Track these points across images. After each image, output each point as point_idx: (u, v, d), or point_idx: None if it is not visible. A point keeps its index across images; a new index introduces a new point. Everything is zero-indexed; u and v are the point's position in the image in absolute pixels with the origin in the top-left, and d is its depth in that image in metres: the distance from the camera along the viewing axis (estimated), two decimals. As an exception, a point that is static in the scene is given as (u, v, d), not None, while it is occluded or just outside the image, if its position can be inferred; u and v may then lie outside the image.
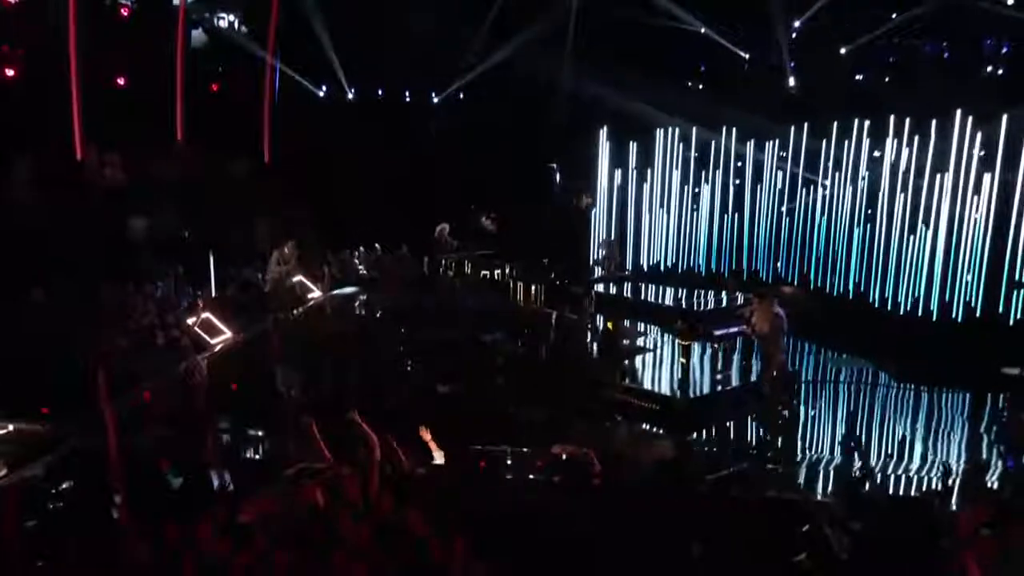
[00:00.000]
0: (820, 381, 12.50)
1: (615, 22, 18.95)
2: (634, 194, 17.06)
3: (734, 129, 16.42)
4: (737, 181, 16.60)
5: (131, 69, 16.58)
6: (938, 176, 13.35)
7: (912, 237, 13.68)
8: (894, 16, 17.90)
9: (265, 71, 18.52)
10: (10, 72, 14.80)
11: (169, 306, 12.63)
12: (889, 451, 9.90)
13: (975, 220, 13.02)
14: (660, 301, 14.86)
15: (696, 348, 11.72)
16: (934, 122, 13.40)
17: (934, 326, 13.26)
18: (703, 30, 19.35)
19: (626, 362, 12.22)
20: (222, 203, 15.23)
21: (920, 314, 13.49)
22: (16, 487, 7.43)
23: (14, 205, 13.32)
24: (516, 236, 17.25)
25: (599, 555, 6.14)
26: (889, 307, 13.91)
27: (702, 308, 13.45)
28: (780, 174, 16.03)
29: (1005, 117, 12.85)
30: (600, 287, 14.70)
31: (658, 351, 12.90)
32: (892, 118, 14.04)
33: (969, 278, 13.07)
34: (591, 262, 15.91)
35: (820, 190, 15.40)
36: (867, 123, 14.56)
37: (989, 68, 17.80)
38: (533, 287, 15.26)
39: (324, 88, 20.36)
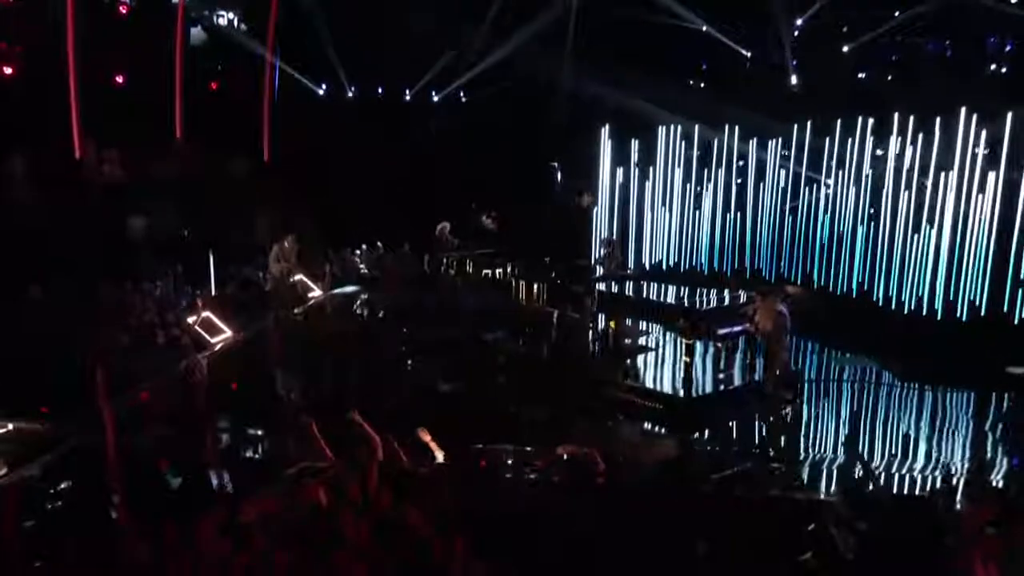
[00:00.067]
0: (824, 380, 12.43)
1: (616, 20, 18.89)
2: (636, 193, 17.02)
3: (736, 127, 16.36)
4: (739, 180, 16.55)
5: (130, 67, 16.55)
6: (942, 174, 13.30)
7: (916, 235, 13.63)
8: (897, 14, 17.82)
9: (265, 69, 18.46)
10: (8, 70, 14.75)
11: (169, 305, 12.58)
12: (893, 450, 9.86)
13: (980, 218, 12.96)
14: (662, 300, 14.80)
15: (699, 347, 11.67)
16: (938, 120, 13.35)
17: (938, 325, 13.19)
18: (704, 28, 19.29)
19: (628, 361, 12.17)
20: (221, 202, 15.19)
21: (924, 313, 13.44)
22: (15, 487, 7.38)
23: (12, 203, 13.28)
24: (517, 235, 17.22)
25: (602, 555, 6.08)
26: (893, 306, 13.86)
27: (705, 306, 13.38)
28: (783, 172, 15.98)
29: (1010, 115, 12.78)
30: (602, 286, 14.64)
31: (660, 350, 12.85)
32: (896, 116, 13.99)
33: (974, 276, 13.00)
34: (593, 261, 15.85)
35: (823, 188, 15.35)
36: (871, 121, 14.49)
37: (993, 66, 17.73)
38: (535, 286, 15.21)
39: (324, 86, 20.31)
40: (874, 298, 14.22)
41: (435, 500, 6.17)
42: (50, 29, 14.43)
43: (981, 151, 12.98)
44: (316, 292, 15.09)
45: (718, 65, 19.95)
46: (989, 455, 9.81)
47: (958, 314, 13.13)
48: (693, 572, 6.17)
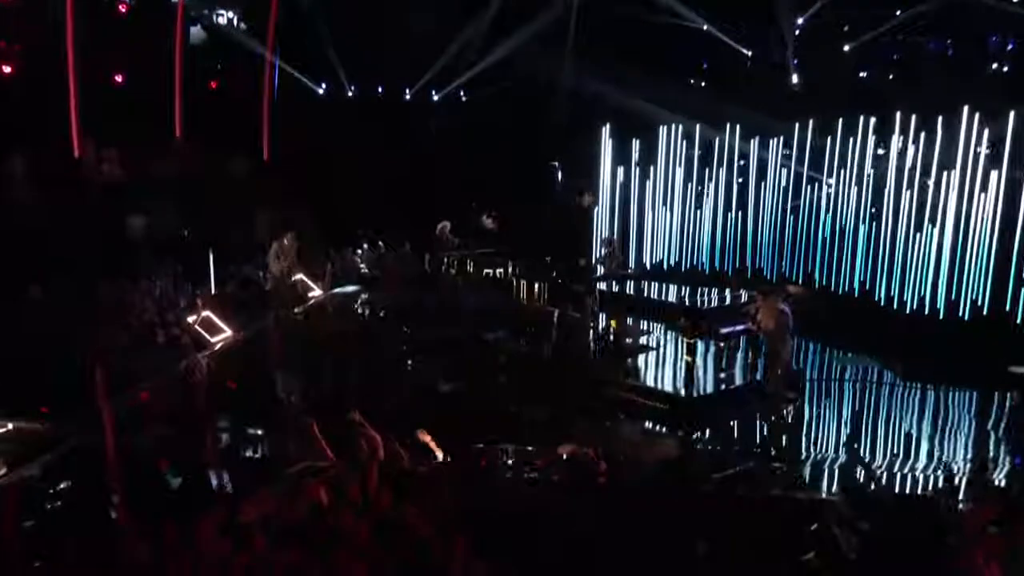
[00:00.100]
0: (825, 380, 12.39)
1: (616, 19, 18.86)
2: (637, 192, 16.99)
3: (737, 127, 16.33)
4: (740, 179, 16.52)
5: (129, 66, 16.52)
6: (944, 173, 13.26)
7: (918, 235, 13.60)
8: (898, 13, 17.81)
9: (264, 68, 18.44)
10: (7, 69, 14.72)
11: (169, 304, 12.55)
12: (895, 450, 9.83)
13: (982, 217, 12.93)
14: (664, 299, 14.77)
15: (700, 346, 11.64)
16: (940, 119, 13.31)
17: (940, 324, 13.16)
18: (705, 27, 19.27)
19: (629, 360, 12.14)
20: (221, 201, 15.16)
21: (926, 312, 13.41)
22: (15, 486, 7.36)
23: (11, 203, 13.25)
24: (517, 234, 17.20)
25: (603, 555, 6.05)
26: (895, 305, 13.83)
27: (707, 306, 13.36)
28: (784, 172, 15.95)
29: (1012, 114, 12.75)
30: (603, 285, 14.61)
31: (662, 349, 12.82)
32: (898, 115, 13.96)
33: (976, 276, 12.97)
34: (593, 260, 15.82)
35: (825, 188, 15.32)
36: (872, 120, 14.46)
37: (994, 65, 17.70)
38: (536, 285, 15.18)
39: (324, 86, 20.27)
40: (876, 297, 14.19)
41: (435, 500, 6.15)
42: (49, 28, 14.40)
43: (984, 150, 12.94)
44: (316, 292, 15.07)
45: (719, 64, 19.94)
46: (991, 455, 9.76)
47: (960, 313, 13.10)
48: (695, 572, 6.14)
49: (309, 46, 18.89)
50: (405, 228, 17.06)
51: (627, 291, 15.02)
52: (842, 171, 14.97)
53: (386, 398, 9.70)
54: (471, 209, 18.19)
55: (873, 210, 14.46)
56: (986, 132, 12.93)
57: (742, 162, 16.52)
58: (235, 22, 19.67)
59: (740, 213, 16.50)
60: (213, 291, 13.82)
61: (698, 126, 16.53)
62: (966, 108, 13.03)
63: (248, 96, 18.33)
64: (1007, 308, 12.70)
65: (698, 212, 16.77)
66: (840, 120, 14.92)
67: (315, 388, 10.75)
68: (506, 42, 18.86)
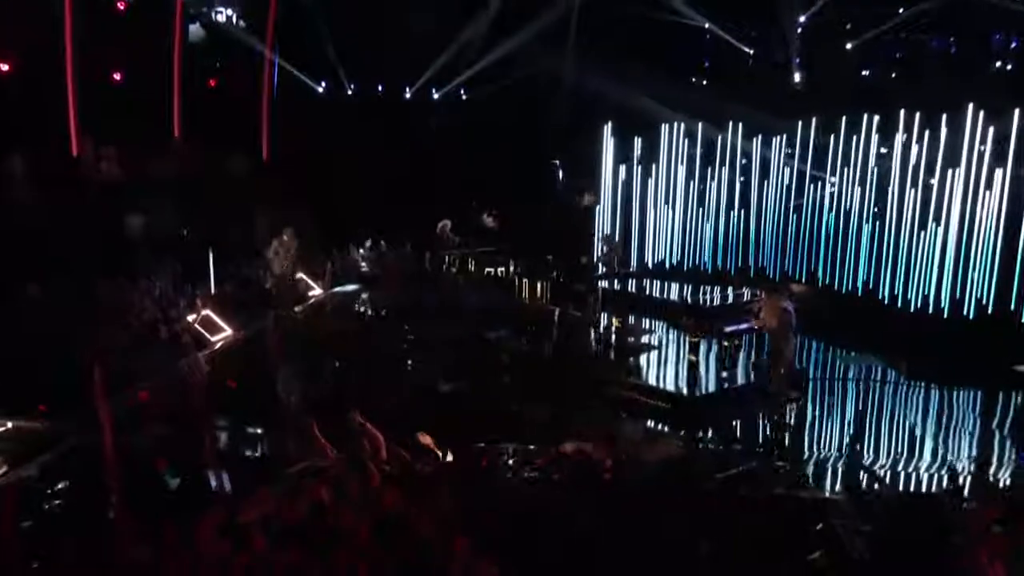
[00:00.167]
0: (829, 378, 12.34)
1: (618, 17, 18.81)
2: (639, 191, 16.92)
3: (740, 125, 16.28)
4: (743, 178, 16.47)
5: (128, 64, 16.41)
6: (949, 171, 13.21)
7: (923, 233, 13.54)
8: (900, 11, 17.75)
9: (264, 66, 18.38)
10: (5, 67, 14.65)
11: (168, 303, 12.49)
12: (899, 449, 9.78)
13: (986, 216, 12.87)
14: (666, 298, 14.72)
15: (703, 345, 11.58)
16: (944, 117, 13.25)
17: (945, 323, 13.12)
18: (707, 25, 19.22)
19: (632, 359, 12.09)
20: (220, 200, 15.10)
21: (930, 311, 13.36)
22: (13, 486, 7.31)
23: (9, 202, 13.19)
24: (518, 233, 17.15)
25: (606, 554, 5.99)
26: (899, 304, 13.78)
27: (710, 304, 13.32)
28: (787, 170, 15.90)
29: (1017, 112, 12.69)
30: (605, 284, 14.57)
31: (664, 348, 12.77)
32: (902, 113, 13.89)
33: (981, 274, 12.91)
34: (595, 259, 15.77)
35: (828, 186, 15.26)
36: (876, 118, 14.40)
37: (998, 63, 17.63)
38: (537, 284, 15.14)
39: (323, 84, 20.21)
40: (880, 296, 14.14)
41: (436, 499, 6.10)
42: (48, 25, 14.32)
43: (988, 148, 12.87)
44: (317, 291, 15.02)
45: (721, 62, 19.92)
46: (996, 454, 9.71)
47: (965, 312, 13.05)
48: (698, 571, 6.08)
49: (309, 44, 18.83)
50: (405, 227, 16.99)
51: (630, 290, 14.98)
52: (845, 169, 14.91)
53: (387, 397, 9.65)
54: (471, 208, 18.16)
55: (876, 208, 14.40)
56: (991, 130, 12.85)
57: (744, 161, 16.47)
58: (234, 20, 19.60)
59: (743, 212, 16.46)
60: (212, 290, 13.76)
61: (700, 124, 16.53)
62: (971, 106, 12.96)
63: (247, 94, 18.28)
64: (1012, 307, 12.65)
65: (700, 211, 16.73)
66: (843, 118, 14.87)
67: (315, 387, 10.69)
68: (507, 40, 18.79)
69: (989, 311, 12.86)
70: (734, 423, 10.46)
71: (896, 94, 15.82)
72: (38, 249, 12.05)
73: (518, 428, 8.89)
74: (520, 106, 19.35)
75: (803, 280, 15.41)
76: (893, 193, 14.07)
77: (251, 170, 17.03)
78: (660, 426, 10.33)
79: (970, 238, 13.02)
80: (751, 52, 19.51)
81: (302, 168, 17.02)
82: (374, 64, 19.88)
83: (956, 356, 11.85)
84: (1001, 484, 8.49)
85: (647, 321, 13.72)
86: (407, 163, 18.23)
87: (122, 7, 16.76)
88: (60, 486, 7.20)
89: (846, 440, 10.03)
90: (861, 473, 8.82)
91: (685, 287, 14.81)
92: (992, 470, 9.05)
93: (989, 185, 12.84)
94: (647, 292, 15.13)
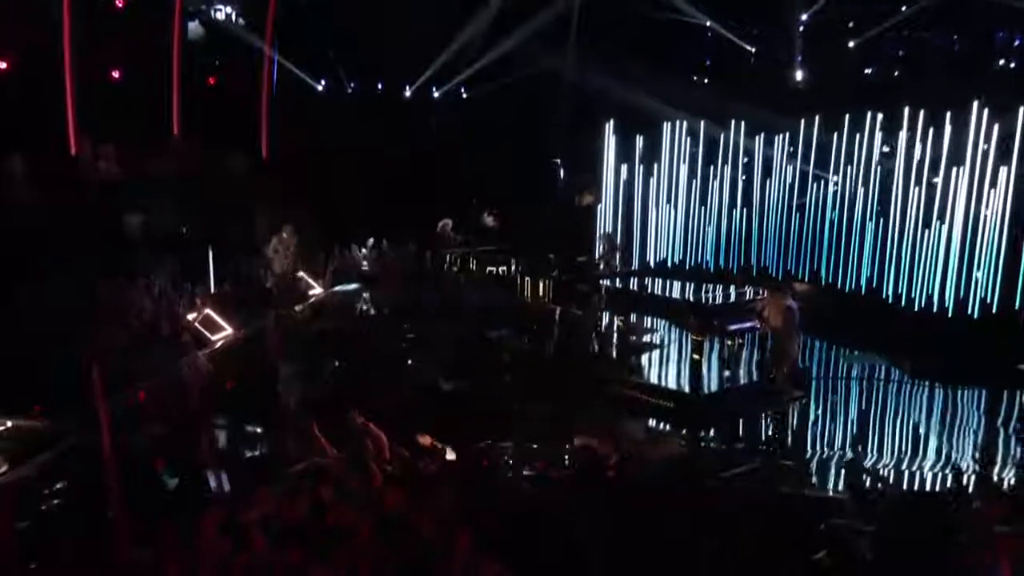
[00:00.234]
0: (832, 377, 12.30)
1: (619, 16, 18.79)
2: (640, 189, 16.88)
3: (742, 123, 16.24)
4: (745, 176, 16.43)
5: (126, 62, 16.37)
6: (953, 169, 13.15)
7: (927, 231, 13.49)
8: (903, 8, 17.70)
9: (263, 64, 18.33)
10: (3, 65, 14.61)
11: (168, 302, 12.44)
12: (904, 448, 9.73)
13: (991, 214, 12.82)
14: (669, 297, 14.65)
15: (707, 343, 11.52)
16: (948, 115, 13.19)
17: (949, 322, 13.07)
18: (708, 23, 19.18)
19: (634, 358, 12.03)
20: (220, 198, 15.06)
21: (935, 310, 13.31)
22: (12, 486, 7.27)
23: (7, 201, 13.14)
24: (519, 232, 17.11)
25: (610, 553, 5.94)
26: (903, 303, 13.72)
27: (714, 303, 13.28)
28: (790, 169, 15.86)
29: (1022, 110, 12.63)
30: (607, 282, 14.51)
31: (667, 347, 12.71)
32: (906, 111, 13.84)
33: (985, 273, 12.85)
34: (596, 257, 15.73)
35: (831, 185, 15.21)
36: (879, 116, 14.35)
37: (1001, 61, 17.57)
38: (539, 283, 15.09)
39: (323, 82, 20.17)
40: (883, 295, 14.10)
41: (438, 499, 6.06)
42: (46, 24, 14.27)
43: (993, 146, 12.81)
44: (317, 290, 14.97)
45: (723, 61, 19.89)
46: (1000, 453, 9.66)
47: (969, 311, 13.00)
48: (701, 571, 6.03)
49: (308, 42, 18.81)
50: (406, 226, 16.94)
51: (632, 288, 14.91)
52: (848, 167, 14.86)
53: (387, 397, 9.60)
54: (472, 207, 18.12)
55: (880, 207, 14.35)
56: (995, 128, 12.79)
57: (747, 159, 16.44)
58: (233, 17, 19.56)
59: (745, 210, 16.43)
60: (212, 289, 13.72)
61: (702, 123, 16.50)
62: (975, 103, 12.90)
63: (247, 92, 18.22)
64: (1016, 306, 12.61)
65: (703, 209, 16.68)
66: (846, 116, 14.83)
67: (315, 388, 10.65)
68: (507, 39, 18.74)
69: (993, 310, 12.80)
70: (738, 422, 10.41)
71: (899, 92, 15.78)
72: (37, 249, 11.99)
73: (520, 427, 8.84)
74: (521, 105, 19.29)
75: (806, 279, 15.37)
76: (897, 191, 14.03)
77: (250, 169, 16.99)
78: (663, 425, 10.28)
79: (974, 236, 12.97)
80: (753, 50, 19.48)
81: (302, 167, 16.97)
82: (374, 62, 19.84)
83: (960, 355, 11.80)
84: (1005, 483, 8.42)
85: (650, 320, 13.66)
86: (407, 162, 18.19)
87: (120, 5, 16.71)
88: (59, 486, 7.21)
89: (849, 439, 9.98)
90: (865, 473, 8.76)
91: (687, 286, 14.76)
92: (996, 469, 8.98)
93: (994, 183, 12.79)
94: (650, 290, 15.08)
